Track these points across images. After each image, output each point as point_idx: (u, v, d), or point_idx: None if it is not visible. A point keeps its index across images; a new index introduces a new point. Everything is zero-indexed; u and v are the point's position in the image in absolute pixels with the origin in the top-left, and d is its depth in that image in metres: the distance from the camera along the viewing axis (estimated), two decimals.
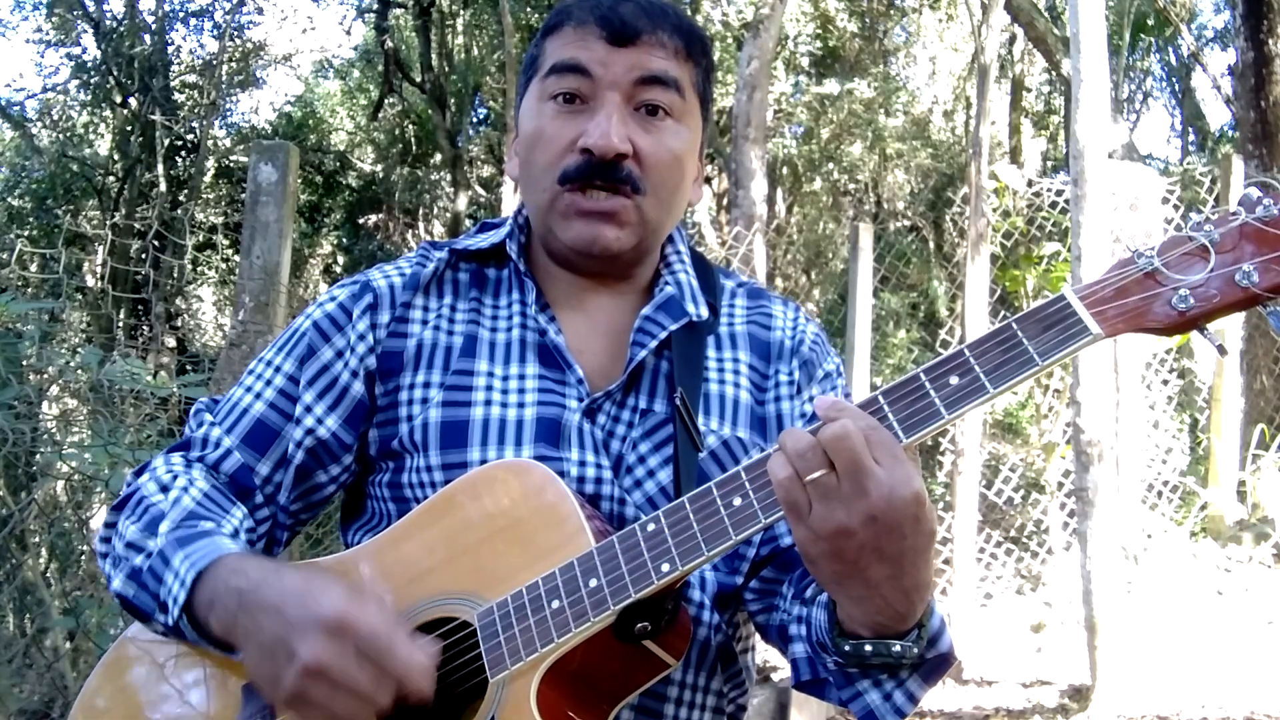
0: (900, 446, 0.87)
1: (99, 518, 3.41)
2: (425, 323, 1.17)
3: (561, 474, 1.04)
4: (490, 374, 1.14)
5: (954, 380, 0.90)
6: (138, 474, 1.17)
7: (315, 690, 0.90)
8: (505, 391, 1.13)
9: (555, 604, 0.96)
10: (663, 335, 1.15)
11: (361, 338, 1.15)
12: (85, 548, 3.19)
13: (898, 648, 0.92)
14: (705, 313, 1.19)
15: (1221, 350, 0.89)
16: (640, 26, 1.12)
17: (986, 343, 0.90)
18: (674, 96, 1.14)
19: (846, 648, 0.94)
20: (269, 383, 1.17)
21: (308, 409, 1.15)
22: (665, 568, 0.94)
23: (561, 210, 1.14)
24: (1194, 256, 0.88)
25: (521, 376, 1.14)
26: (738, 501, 0.93)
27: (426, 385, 1.14)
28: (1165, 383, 6.41)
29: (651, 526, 0.96)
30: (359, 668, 0.90)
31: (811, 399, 1.21)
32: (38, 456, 2.87)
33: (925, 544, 0.88)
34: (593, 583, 0.95)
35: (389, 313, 1.17)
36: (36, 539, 3.16)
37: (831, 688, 1.03)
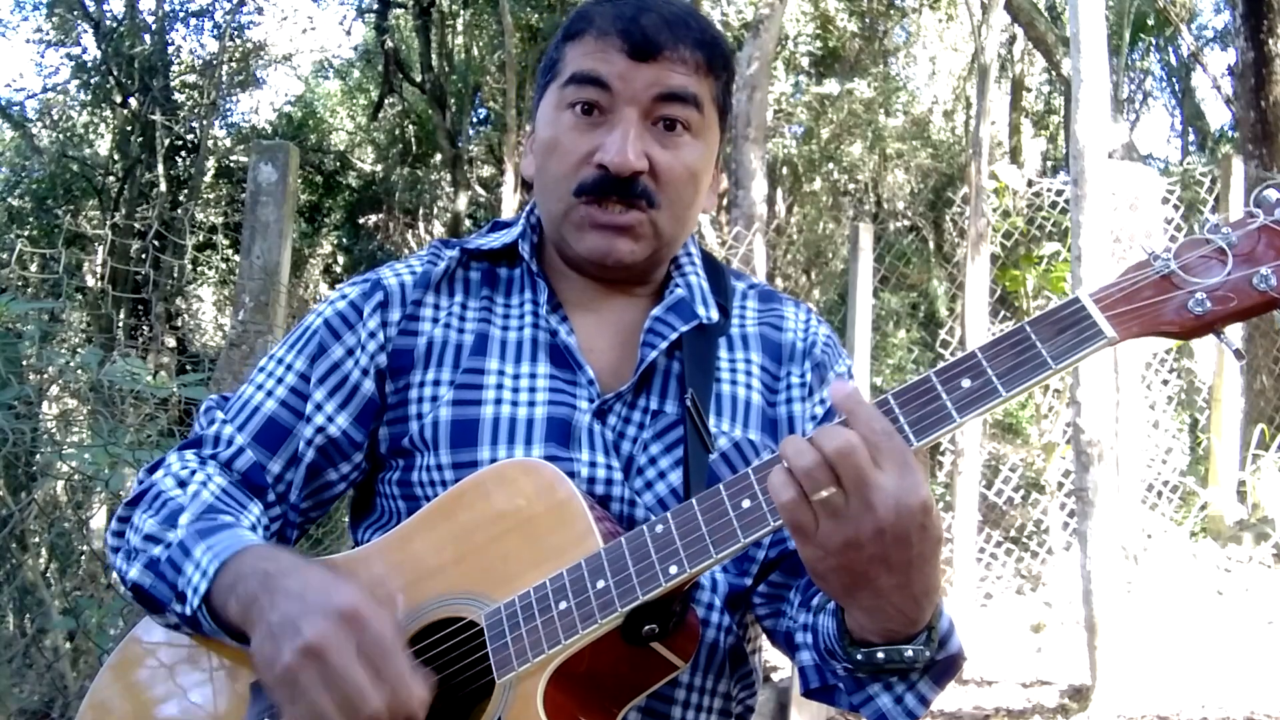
0: (909, 453, 0.86)
1: (99, 518, 3.40)
2: (436, 320, 1.17)
3: (571, 475, 1.04)
4: (501, 373, 1.14)
5: (966, 383, 0.89)
6: (151, 471, 1.17)
7: (308, 673, 0.88)
8: (516, 390, 1.13)
9: (563, 605, 0.96)
10: (673, 336, 1.14)
11: (372, 335, 1.15)
12: (85, 548, 3.19)
13: (909, 652, 0.92)
14: (715, 315, 1.19)
15: (1238, 354, 0.88)
16: (662, 41, 1.10)
17: (999, 345, 0.90)
18: (692, 112, 1.13)
19: (859, 656, 0.94)
20: (280, 380, 1.17)
21: (318, 407, 1.14)
22: (673, 570, 0.93)
23: (576, 222, 1.14)
24: (1211, 259, 0.87)
25: (532, 376, 1.14)
26: (746, 504, 0.92)
27: (436, 383, 1.14)
28: (1165, 383, 6.42)
29: (659, 528, 0.95)
30: (356, 662, 0.89)
31: (823, 401, 1.20)
32: (38, 456, 2.87)
33: (932, 551, 0.87)
34: (600, 584, 0.95)
35: (399, 310, 1.16)
36: (36, 539, 3.16)
37: (841, 693, 1.02)
